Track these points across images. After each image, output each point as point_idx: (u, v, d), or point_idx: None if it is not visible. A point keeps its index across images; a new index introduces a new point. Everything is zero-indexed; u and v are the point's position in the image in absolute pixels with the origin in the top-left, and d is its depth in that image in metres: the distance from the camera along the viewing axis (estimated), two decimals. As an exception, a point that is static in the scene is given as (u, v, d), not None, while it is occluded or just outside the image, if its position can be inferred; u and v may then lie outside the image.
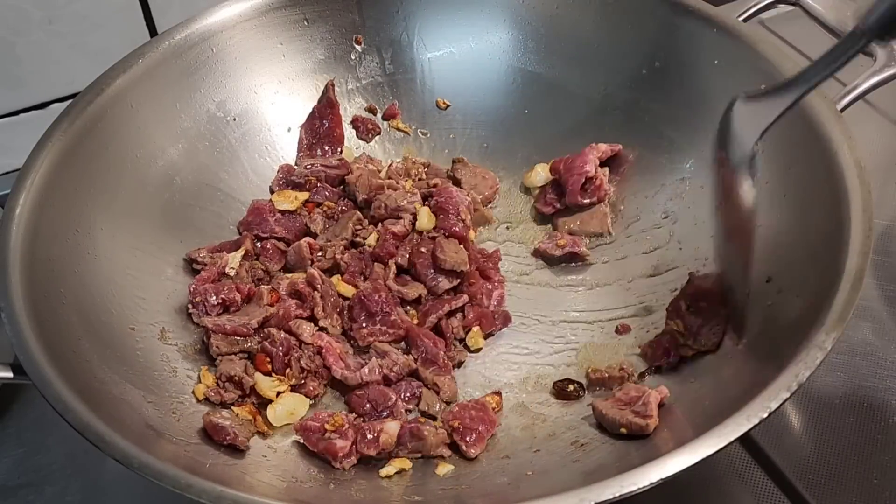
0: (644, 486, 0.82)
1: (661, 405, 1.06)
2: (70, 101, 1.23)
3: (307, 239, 1.31)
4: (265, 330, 1.19)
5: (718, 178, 1.16)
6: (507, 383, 1.19)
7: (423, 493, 1.02)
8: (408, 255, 1.27)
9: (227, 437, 1.04)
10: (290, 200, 1.35)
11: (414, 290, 1.24)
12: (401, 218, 1.30)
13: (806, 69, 1.05)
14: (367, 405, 1.14)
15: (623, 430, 1.04)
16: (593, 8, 1.40)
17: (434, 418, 1.14)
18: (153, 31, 1.59)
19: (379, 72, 1.48)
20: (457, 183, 1.39)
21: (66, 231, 1.14)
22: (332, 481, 1.03)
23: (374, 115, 1.48)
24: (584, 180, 1.35)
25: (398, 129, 1.47)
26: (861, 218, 1.01)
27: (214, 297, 1.20)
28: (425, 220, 1.29)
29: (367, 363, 1.17)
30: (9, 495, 1.18)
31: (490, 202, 1.42)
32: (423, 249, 1.26)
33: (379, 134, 1.48)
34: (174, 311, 1.22)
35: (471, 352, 1.23)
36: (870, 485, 1.12)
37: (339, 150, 1.44)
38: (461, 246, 1.26)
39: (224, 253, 1.27)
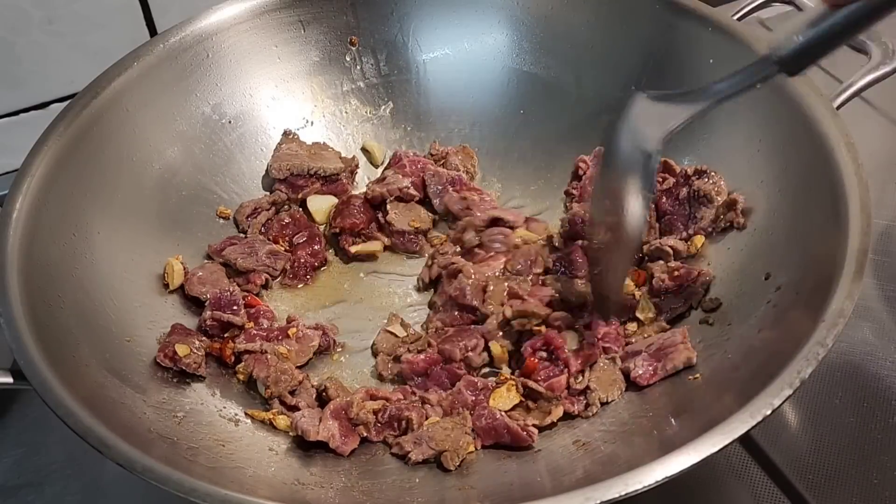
0: (649, 485, 0.82)
1: None
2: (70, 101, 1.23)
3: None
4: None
5: (602, 180, 1.17)
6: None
7: (425, 495, 1.02)
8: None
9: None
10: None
11: None
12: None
13: (715, 83, 1.06)
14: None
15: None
16: (588, 8, 1.40)
17: None
18: (153, 31, 1.59)
19: (374, 73, 1.48)
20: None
21: (63, 234, 1.14)
22: (334, 483, 1.03)
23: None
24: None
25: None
26: (859, 214, 1.02)
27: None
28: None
29: None
30: (9, 495, 1.18)
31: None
32: None
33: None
34: (171, 314, 1.22)
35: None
36: (870, 485, 1.12)
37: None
38: None
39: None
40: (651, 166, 1.08)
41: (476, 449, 1.08)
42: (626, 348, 1.17)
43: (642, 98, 1.10)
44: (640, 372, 1.12)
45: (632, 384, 1.13)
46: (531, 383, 1.12)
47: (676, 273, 1.21)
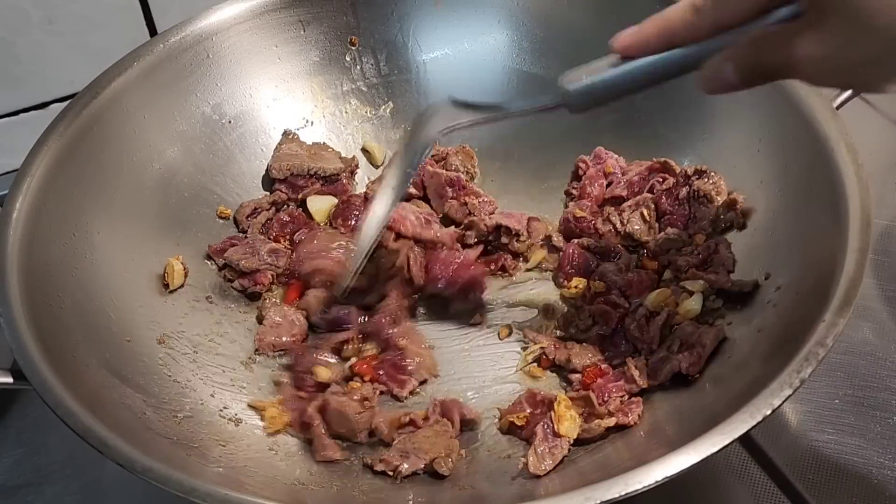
0: (649, 485, 0.81)
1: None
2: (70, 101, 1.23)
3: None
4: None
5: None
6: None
7: (424, 495, 1.02)
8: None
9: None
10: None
11: None
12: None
13: (512, 101, 1.15)
14: None
15: None
16: (588, 8, 1.40)
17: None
18: (153, 31, 1.59)
19: (374, 73, 1.48)
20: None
21: (63, 234, 1.13)
22: (336, 483, 1.03)
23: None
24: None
25: None
26: (859, 214, 1.02)
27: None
28: None
29: None
30: (9, 495, 1.18)
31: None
32: None
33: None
34: (172, 314, 1.22)
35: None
36: (870, 485, 1.12)
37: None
38: None
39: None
40: (421, 149, 1.11)
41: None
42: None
43: (447, 100, 1.12)
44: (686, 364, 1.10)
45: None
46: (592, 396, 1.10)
47: (696, 251, 1.22)
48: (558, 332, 1.22)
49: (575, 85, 0.98)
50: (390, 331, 1.20)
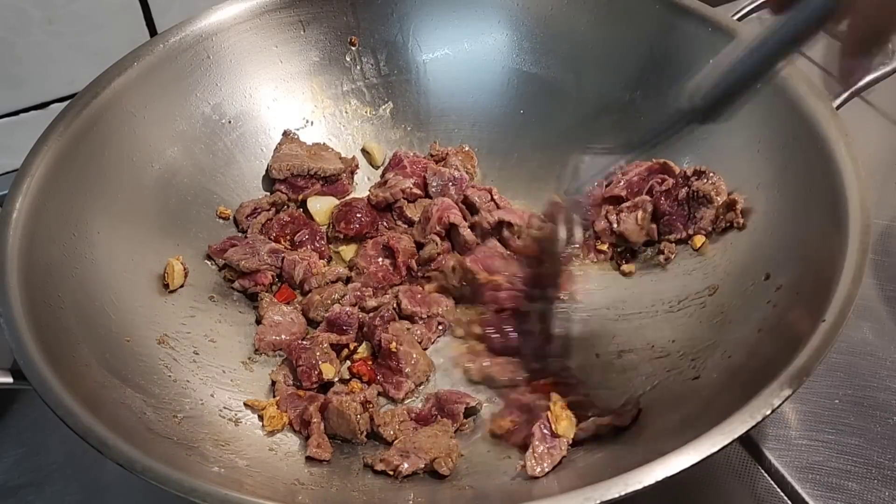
0: (649, 485, 0.81)
1: None
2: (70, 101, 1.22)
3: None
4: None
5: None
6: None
7: (424, 495, 1.02)
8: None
9: None
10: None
11: None
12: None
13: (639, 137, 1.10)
14: None
15: None
16: (588, 8, 1.40)
17: None
18: (153, 31, 1.59)
19: (374, 73, 1.48)
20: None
21: (63, 234, 1.13)
22: (335, 483, 1.03)
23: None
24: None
25: None
26: (859, 214, 1.02)
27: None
28: None
29: None
30: (9, 495, 1.18)
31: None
32: None
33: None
34: (172, 314, 1.22)
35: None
36: (870, 485, 1.12)
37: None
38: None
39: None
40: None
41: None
42: None
43: (584, 155, 1.18)
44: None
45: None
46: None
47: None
48: None
49: (705, 101, 0.98)
50: (382, 334, 1.20)
